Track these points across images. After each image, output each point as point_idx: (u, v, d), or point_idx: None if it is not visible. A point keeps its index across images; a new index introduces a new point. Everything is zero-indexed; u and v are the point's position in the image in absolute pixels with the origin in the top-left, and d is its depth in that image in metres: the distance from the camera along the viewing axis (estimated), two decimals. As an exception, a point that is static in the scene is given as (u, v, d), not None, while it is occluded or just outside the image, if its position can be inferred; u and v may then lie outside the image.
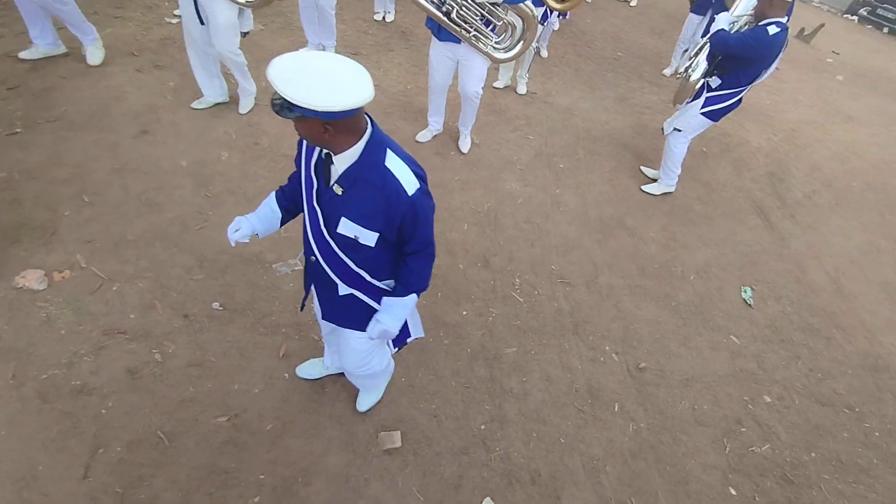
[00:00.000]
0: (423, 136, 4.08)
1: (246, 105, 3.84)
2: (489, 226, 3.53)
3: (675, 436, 2.74)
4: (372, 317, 1.78)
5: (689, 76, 3.69)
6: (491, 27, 3.28)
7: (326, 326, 2.13)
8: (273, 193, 1.78)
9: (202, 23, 3.26)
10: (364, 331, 1.83)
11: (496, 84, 5.03)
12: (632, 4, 8.53)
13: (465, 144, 4.07)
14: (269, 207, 1.75)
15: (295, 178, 1.73)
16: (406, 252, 1.65)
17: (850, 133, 6.23)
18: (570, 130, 4.69)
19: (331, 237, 1.59)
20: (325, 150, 1.46)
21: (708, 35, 3.51)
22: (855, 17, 13.15)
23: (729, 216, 4.32)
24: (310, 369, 2.43)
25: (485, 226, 3.52)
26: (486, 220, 3.57)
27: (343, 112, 1.26)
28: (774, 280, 3.89)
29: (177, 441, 2.09)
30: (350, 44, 5.09)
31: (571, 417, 2.66)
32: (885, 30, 12.64)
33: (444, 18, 3.12)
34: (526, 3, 3.15)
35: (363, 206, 1.49)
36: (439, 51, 3.53)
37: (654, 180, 4.29)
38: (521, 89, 5.05)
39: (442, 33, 3.36)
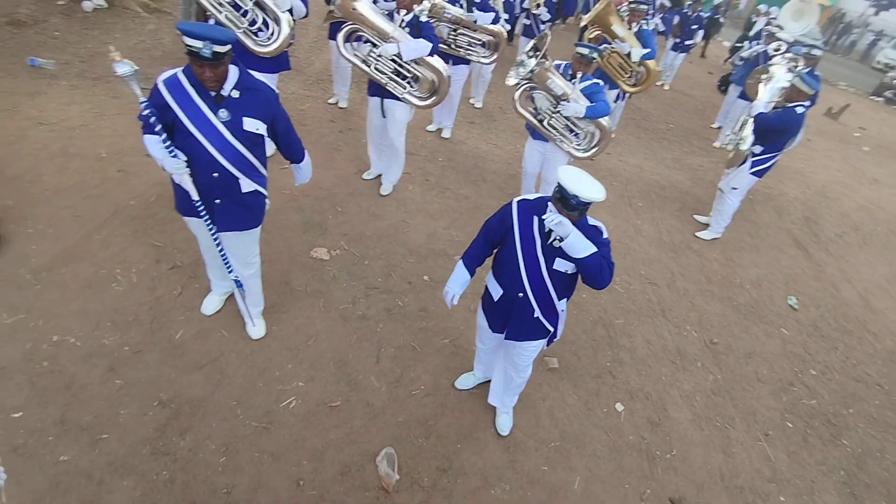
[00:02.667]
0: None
1: (388, 188, 4.58)
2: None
3: (743, 386, 3.79)
4: (542, 329, 2.52)
5: (739, 146, 4.91)
6: (574, 133, 4.10)
7: (493, 343, 2.81)
8: (462, 264, 2.53)
9: (383, 116, 4.17)
10: (539, 339, 2.57)
11: None
12: (665, 88, 10.03)
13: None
14: (464, 277, 2.53)
15: (483, 245, 2.48)
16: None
17: (874, 191, 7.35)
18: (642, 180, 6.03)
19: (549, 274, 2.32)
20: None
21: (749, 115, 4.80)
22: (881, 99, 14.45)
23: (773, 247, 5.47)
24: (465, 381, 3.15)
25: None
26: (589, 238, 4.85)
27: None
28: (813, 294, 4.95)
29: (423, 349, 3.31)
30: (458, 124, 6.67)
31: (667, 366, 3.76)
32: (909, 109, 13.86)
33: (538, 125, 4.03)
34: (603, 118, 3.95)
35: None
36: (532, 146, 4.37)
37: (706, 225, 5.44)
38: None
39: (535, 134, 4.23)
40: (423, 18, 3.89)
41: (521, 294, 2.38)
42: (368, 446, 2.72)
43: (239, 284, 2.85)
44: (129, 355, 2.77)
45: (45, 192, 3.52)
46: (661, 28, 9.10)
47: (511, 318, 2.50)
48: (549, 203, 2.24)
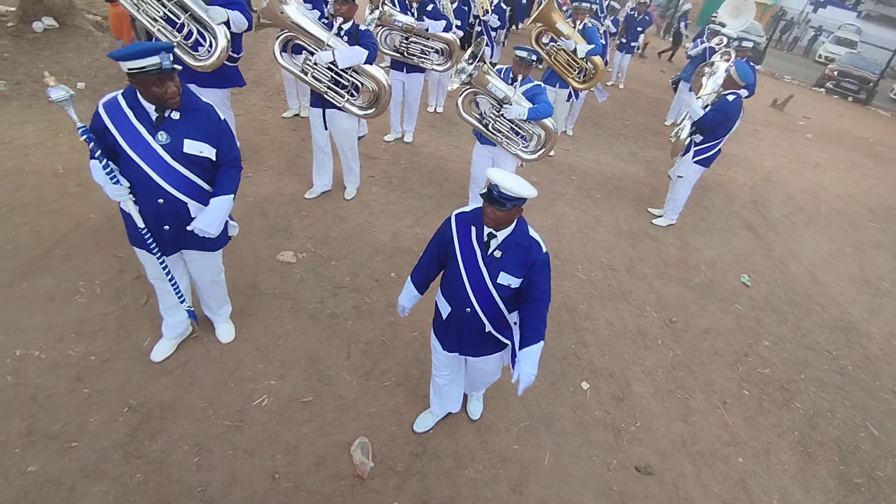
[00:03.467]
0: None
1: (351, 192, 4.68)
2: (553, 234, 4.97)
3: (702, 360, 3.99)
4: (498, 343, 2.42)
5: (679, 136, 5.20)
6: (520, 136, 4.14)
7: (452, 368, 2.67)
8: (411, 284, 2.51)
9: (325, 127, 4.14)
10: (496, 353, 2.50)
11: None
12: (620, 87, 10.41)
13: None
14: (412, 293, 2.53)
15: (428, 263, 2.42)
16: (528, 297, 2.19)
17: (818, 175, 7.79)
18: (599, 174, 6.26)
19: (494, 287, 2.21)
20: (487, 231, 2.14)
21: (686, 117, 5.05)
22: (822, 90, 15.26)
23: (725, 230, 5.75)
24: (423, 423, 2.93)
25: (550, 234, 4.96)
26: (552, 231, 5.01)
27: (524, 201, 2.04)
28: (764, 272, 5.23)
29: (392, 342, 3.40)
30: (420, 128, 6.81)
31: (629, 345, 3.93)
32: (850, 98, 14.68)
33: (484, 129, 4.07)
34: (546, 119, 4.00)
35: (514, 262, 2.17)
36: (480, 151, 4.38)
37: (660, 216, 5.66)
38: (570, 132, 7.05)
39: (482, 139, 4.27)
40: (363, 27, 3.87)
41: (468, 309, 2.29)
42: (342, 437, 2.78)
43: (192, 315, 2.81)
44: (96, 364, 2.77)
45: (0, 210, 3.48)
46: (613, 30, 9.45)
47: (463, 336, 2.42)
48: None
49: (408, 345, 3.41)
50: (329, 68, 3.72)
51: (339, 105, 3.87)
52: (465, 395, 3.11)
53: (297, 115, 5.82)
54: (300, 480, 2.54)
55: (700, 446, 3.28)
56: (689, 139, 5.11)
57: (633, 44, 9.69)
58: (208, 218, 2.40)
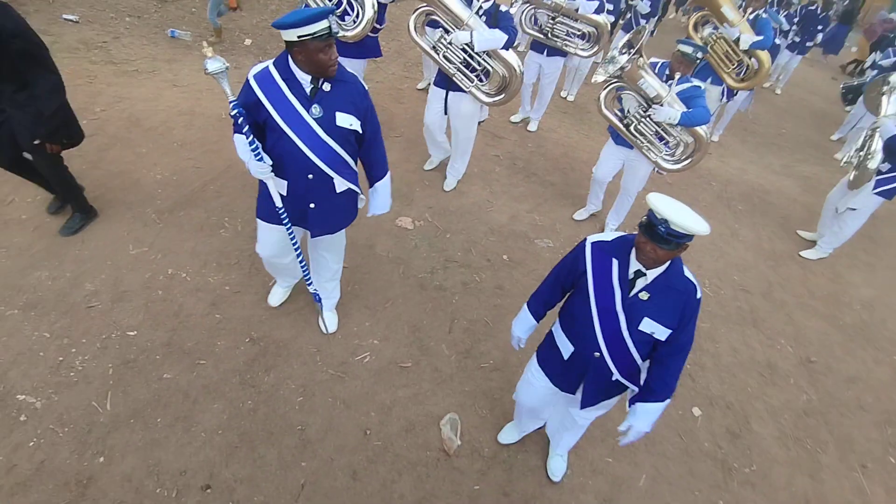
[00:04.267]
0: (580, 214, 4.47)
1: (451, 184, 4.35)
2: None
3: (841, 412, 3.44)
4: (621, 388, 2.07)
5: (867, 164, 4.22)
6: (664, 142, 3.67)
7: (546, 401, 2.34)
8: (527, 312, 2.21)
9: (445, 112, 3.92)
10: (613, 398, 2.15)
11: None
12: (777, 92, 9.14)
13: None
14: (530, 323, 2.22)
15: (552, 289, 2.10)
16: (668, 350, 1.85)
17: None
18: (744, 183, 5.61)
19: (630, 335, 1.85)
20: (634, 268, 1.80)
21: (876, 132, 4.16)
22: None
23: (893, 267, 4.88)
24: (509, 435, 2.72)
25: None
26: (679, 237, 4.60)
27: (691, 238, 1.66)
28: (940, 324, 4.37)
29: (495, 325, 3.33)
30: (541, 122, 6.54)
31: (754, 377, 3.50)
32: None
33: (624, 129, 3.63)
34: (701, 127, 3.49)
35: (665, 308, 1.79)
36: (612, 151, 3.94)
37: (812, 243, 4.85)
38: (715, 137, 6.37)
39: (618, 138, 3.81)
40: (503, 7, 3.60)
41: (596, 354, 1.94)
42: (434, 409, 2.78)
43: (318, 299, 2.80)
44: (228, 294, 3.03)
45: (173, 144, 3.92)
46: (786, 26, 8.27)
47: (586, 382, 2.07)
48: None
49: (509, 328, 3.32)
50: (463, 49, 3.49)
51: (465, 89, 3.64)
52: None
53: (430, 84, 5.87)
54: (389, 442, 2.60)
55: (827, 509, 2.85)
56: (875, 169, 4.28)
57: (807, 43, 8.47)
58: (381, 201, 2.60)
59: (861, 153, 4.35)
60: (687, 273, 1.81)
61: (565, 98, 6.66)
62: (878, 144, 4.24)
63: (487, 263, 3.77)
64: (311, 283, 2.71)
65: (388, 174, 2.56)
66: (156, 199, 3.48)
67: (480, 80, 3.63)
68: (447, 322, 3.28)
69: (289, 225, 2.35)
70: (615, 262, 1.84)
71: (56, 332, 2.63)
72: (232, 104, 2.01)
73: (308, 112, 2.09)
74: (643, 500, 2.66)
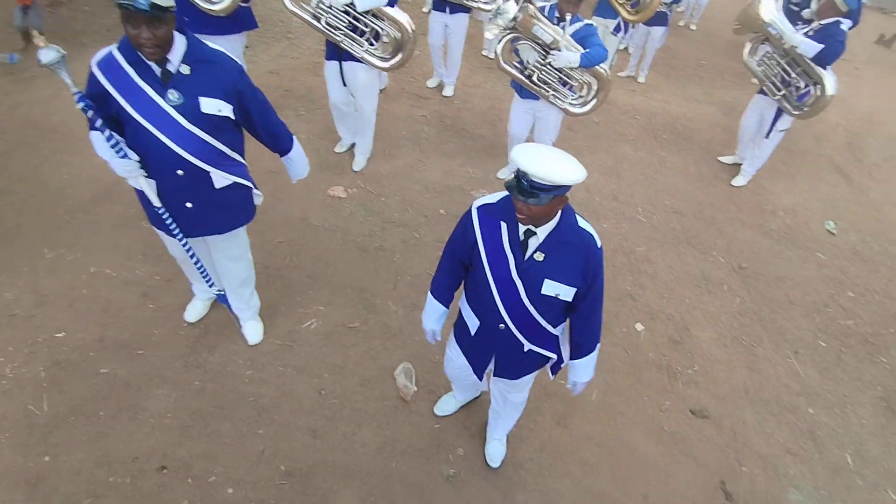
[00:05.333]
0: (503, 173, 4.39)
1: (361, 163, 4.13)
2: (614, 176, 4.69)
3: (773, 308, 3.68)
4: (541, 359, 1.96)
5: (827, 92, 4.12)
6: (568, 86, 3.61)
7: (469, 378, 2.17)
8: (433, 300, 2.01)
9: (344, 83, 3.68)
10: (535, 371, 2.04)
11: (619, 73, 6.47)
12: (692, 28, 9.40)
13: None
14: (438, 311, 2.03)
15: (451, 269, 1.91)
16: (583, 305, 1.76)
17: (929, 116, 6.83)
18: (668, 114, 5.81)
19: (531, 301, 1.71)
20: (524, 228, 1.63)
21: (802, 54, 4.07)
22: (942, 25, 13.24)
23: (811, 174, 5.20)
24: (445, 406, 2.63)
25: (611, 176, 4.69)
26: (612, 172, 4.73)
27: (568, 188, 1.50)
28: (854, 219, 4.71)
29: (422, 277, 3.35)
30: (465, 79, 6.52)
31: (691, 289, 3.68)
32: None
33: (527, 81, 3.53)
34: (600, 65, 3.45)
35: (564, 265, 1.65)
36: (520, 106, 3.84)
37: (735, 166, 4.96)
38: (641, 78, 6.52)
39: (523, 92, 3.71)
40: None
41: (501, 326, 1.80)
42: (387, 362, 2.81)
43: (223, 299, 2.57)
44: (160, 283, 2.94)
45: (77, 143, 3.71)
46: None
47: (497, 356, 1.95)
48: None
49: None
50: (346, 12, 3.26)
51: (357, 55, 3.42)
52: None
53: None
54: (346, 398, 2.61)
55: (765, 394, 3.06)
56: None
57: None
58: (298, 167, 2.46)
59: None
60: (582, 224, 1.67)
61: (487, 56, 6.65)
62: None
63: (425, 220, 3.79)
64: (213, 284, 2.46)
65: (295, 139, 2.37)
66: (66, 200, 3.31)
67: (371, 44, 3.42)
68: (391, 280, 3.29)
69: (175, 229, 2.10)
70: (504, 225, 1.66)
71: (-24, 345, 2.50)
72: (76, 96, 1.76)
73: (164, 99, 1.82)
74: (597, 412, 2.78)
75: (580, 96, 3.70)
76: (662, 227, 4.20)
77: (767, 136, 4.57)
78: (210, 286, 2.46)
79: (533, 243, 1.65)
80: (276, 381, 2.62)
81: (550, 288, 1.67)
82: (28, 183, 3.36)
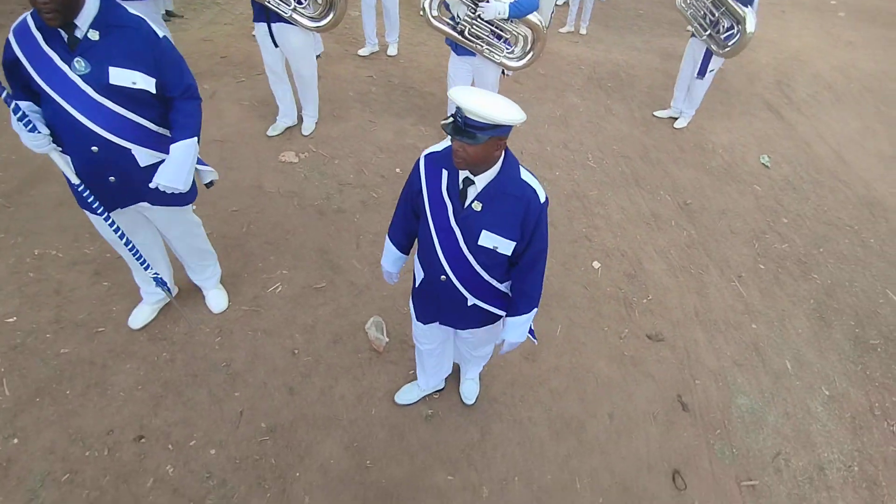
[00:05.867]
0: (441, 146, 4.55)
1: (310, 127, 4.01)
2: (563, 125, 4.79)
3: (717, 239, 3.92)
4: (489, 316, 1.92)
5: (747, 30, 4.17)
6: (503, 40, 3.51)
7: (435, 337, 2.17)
8: (389, 243, 1.99)
9: (276, 45, 3.49)
10: (489, 324, 1.98)
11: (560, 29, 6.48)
12: None
13: None
14: (395, 254, 2.01)
15: (404, 215, 1.86)
16: (522, 261, 1.72)
17: (849, 53, 7.25)
18: (611, 62, 5.93)
19: (471, 252, 1.68)
20: (463, 176, 1.59)
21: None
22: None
23: (745, 112, 5.47)
24: (408, 395, 2.55)
25: (559, 125, 4.79)
26: (560, 122, 4.83)
27: (508, 129, 1.45)
28: (786, 152, 5.01)
29: (383, 235, 3.39)
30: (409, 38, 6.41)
31: (642, 227, 3.87)
32: (890, -26, 13.37)
33: (459, 37, 3.45)
34: (533, 14, 3.35)
35: (503, 217, 1.60)
36: (457, 64, 3.76)
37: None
38: (583, 30, 6.56)
39: (459, 49, 3.63)
40: None
41: (443, 277, 1.77)
42: (357, 318, 2.85)
43: (161, 283, 2.35)
44: (111, 260, 2.84)
45: (2, 122, 3.46)
46: None
47: (441, 307, 1.93)
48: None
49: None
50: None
51: (285, 16, 3.26)
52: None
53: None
54: (319, 355, 2.64)
55: (713, 315, 3.30)
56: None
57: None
58: (171, 171, 1.93)
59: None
60: (525, 176, 1.61)
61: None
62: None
63: (382, 179, 3.79)
64: (149, 266, 2.27)
65: (193, 140, 1.97)
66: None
67: (299, 3, 3.27)
68: (353, 240, 3.29)
69: (97, 206, 1.92)
70: (445, 173, 1.64)
71: (-81, 338, 2.36)
72: None
73: (70, 68, 1.68)
74: (562, 346, 2.93)
75: (515, 49, 3.58)
76: (612, 172, 4.36)
77: (700, 76, 4.74)
78: (146, 269, 2.25)
79: (471, 192, 1.60)
80: (247, 346, 2.61)
81: (488, 239, 1.63)
82: (-49, 168, 3.14)
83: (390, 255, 2.03)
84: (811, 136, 5.28)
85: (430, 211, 1.67)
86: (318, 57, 3.81)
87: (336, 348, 2.69)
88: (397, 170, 3.89)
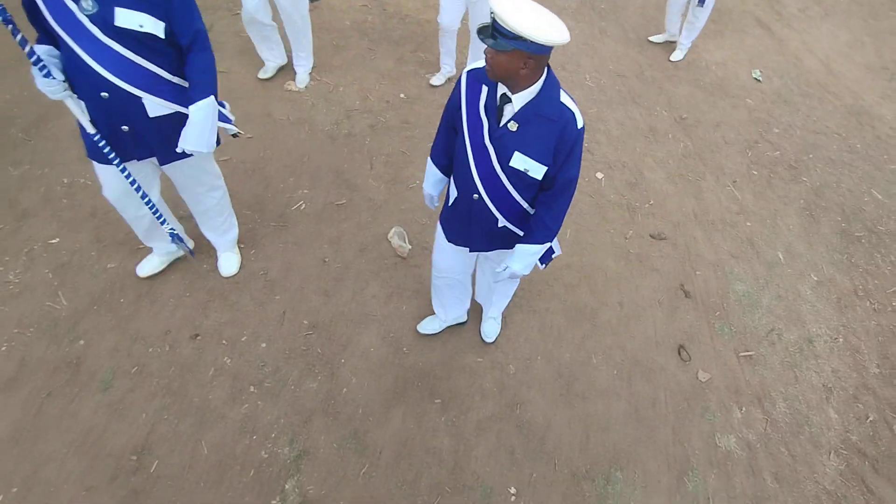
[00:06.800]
0: (437, 80, 4.09)
1: (304, 79, 3.84)
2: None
3: (712, 149, 4.08)
4: (517, 239, 1.87)
5: None
6: None
7: (455, 266, 2.17)
8: (431, 164, 1.96)
9: None
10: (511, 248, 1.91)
11: None
12: None
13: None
14: (436, 176, 1.97)
15: (445, 134, 1.82)
16: (552, 189, 1.68)
17: (838, -32, 7.23)
18: (603, -15, 5.90)
19: (503, 172, 1.65)
20: (500, 92, 1.54)
21: None
22: None
23: (737, 30, 5.52)
24: (429, 325, 2.60)
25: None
26: (556, 44, 4.87)
27: (548, 47, 1.38)
28: (777, 67, 5.11)
29: (411, 153, 3.52)
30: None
31: (640, 140, 4.01)
32: None
33: None
34: None
35: (537, 140, 1.56)
36: None
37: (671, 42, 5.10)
38: None
39: None
40: None
41: (475, 196, 1.74)
42: (379, 230, 3.01)
43: (178, 239, 2.35)
44: (140, 186, 2.94)
45: (9, 62, 3.46)
46: None
47: (472, 229, 1.89)
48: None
49: (427, 154, 3.53)
50: None
51: None
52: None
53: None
54: (348, 262, 2.82)
55: (710, 216, 3.51)
56: None
57: None
58: (194, 135, 1.88)
59: None
60: (565, 99, 1.55)
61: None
62: None
63: (387, 105, 3.86)
64: (165, 221, 2.25)
65: (211, 100, 1.89)
66: (15, 119, 3.16)
67: None
68: (367, 161, 3.41)
69: (116, 160, 1.90)
70: (484, 90, 1.59)
71: (-30, 259, 2.50)
72: None
73: (79, 7, 1.60)
74: (572, 247, 3.13)
75: None
76: (609, 90, 4.46)
77: (700, 3, 4.73)
78: (162, 223, 2.24)
79: (508, 111, 1.56)
80: (280, 257, 2.78)
81: (519, 161, 1.59)
82: (-35, 107, 3.16)
83: (431, 176, 2.00)
84: (801, 51, 5.38)
85: (468, 127, 1.65)
86: (314, 3, 3.58)
87: (363, 256, 2.87)
88: (401, 95, 3.96)
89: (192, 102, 1.86)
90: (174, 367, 2.29)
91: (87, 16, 1.61)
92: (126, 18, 1.64)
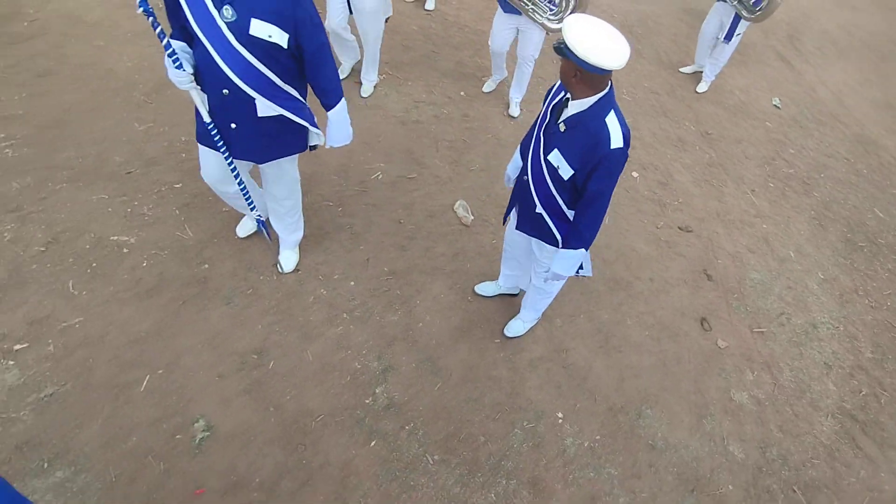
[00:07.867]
0: (488, 86, 4.53)
1: (368, 90, 4.11)
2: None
3: (734, 161, 4.55)
4: (552, 235, 2.08)
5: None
6: (550, 1, 3.55)
7: (516, 247, 2.51)
8: (517, 151, 2.24)
9: (350, 10, 3.57)
10: (550, 244, 2.13)
11: None
12: None
13: (514, 111, 4.34)
14: (518, 163, 2.22)
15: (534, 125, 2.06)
16: (583, 198, 1.88)
17: (853, 15, 7.79)
18: (638, 12, 6.42)
19: (545, 162, 1.89)
20: (566, 95, 1.76)
21: None
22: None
23: (759, 61, 6.04)
24: (486, 288, 2.97)
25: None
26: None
27: (592, 67, 1.59)
28: (794, 96, 5.62)
29: (471, 141, 3.99)
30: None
31: (670, 148, 4.49)
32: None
33: None
34: None
35: (574, 145, 1.78)
36: (503, 22, 3.80)
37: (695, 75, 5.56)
38: None
39: (506, 6, 3.66)
40: None
41: (525, 177, 2.00)
42: (444, 201, 3.47)
43: (261, 225, 2.66)
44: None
45: (126, 35, 3.96)
46: None
47: (520, 206, 2.16)
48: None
49: (485, 144, 4.01)
50: None
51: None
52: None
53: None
54: (419, 225, 3.27)
55: (731, 216, 3.96)
56: None
57: None
58: (337, 134, 2.32)
59: None
60: (610, 120, 1.72)
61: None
62: None
63: (449, 100, 4.35)
64: (255, 207, 2.52)
65: (343, 102, 2.26)
66: (137, 84, 3.64)
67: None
68: (433, 144, 3.89)
69: (223, 149, 2.13)
70: (562, 93, 1.83)
71: (111, 193, 2.95)
72: (139, 2, 1.77)
73: (220, 14, 1.81)
74: (610, 231, 3.58)
75: (558, 11, 3.61)
76: (644, 104, 4.95)
77: (727, 40, 5.22)
78: (252, 209, 2.51)
79: (564, 114, 1.78)
80: (362, 215, 3.23)
81: (555, 157, 1.82)
82: (95, 69, 3.64)
83: (514, 161, 2.27)
84: (816, 84, 5.89)
85: (540, 118, 1.94)
86: (386, 21, 3.90)
87: (432, 221, 3.32)
88: (461, 93, 4.45)
89: (328, 109, 2.25)
90: (281, 293, 2.73)
91: (226, 23, 1.83)
92: (259, 28, 1.85)
